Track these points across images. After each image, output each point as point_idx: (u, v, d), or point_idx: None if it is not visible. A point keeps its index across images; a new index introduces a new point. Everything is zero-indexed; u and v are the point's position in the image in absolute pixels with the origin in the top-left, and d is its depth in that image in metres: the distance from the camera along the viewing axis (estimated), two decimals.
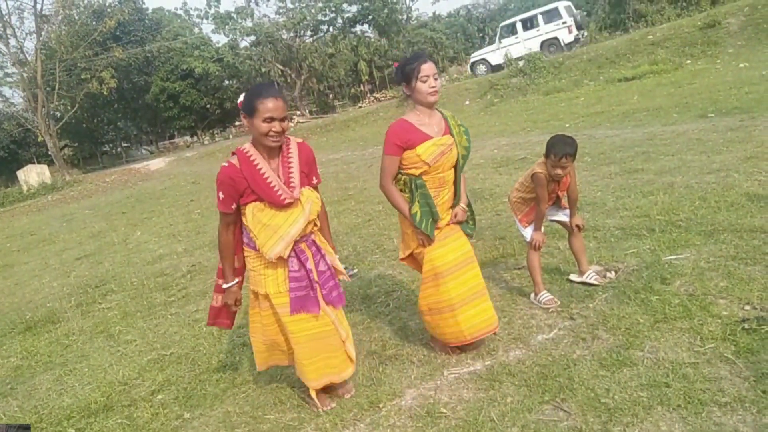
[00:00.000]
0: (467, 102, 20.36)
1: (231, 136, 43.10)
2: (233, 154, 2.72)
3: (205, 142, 44.32)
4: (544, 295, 3.64)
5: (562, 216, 3.84)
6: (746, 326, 2.84)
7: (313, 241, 2.88)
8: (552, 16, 23.59)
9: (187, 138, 50.89)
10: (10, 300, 7.31)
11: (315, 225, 2.88)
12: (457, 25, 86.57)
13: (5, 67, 39.53)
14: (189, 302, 5.45)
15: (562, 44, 23.10)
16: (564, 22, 23.24)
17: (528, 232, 3.75)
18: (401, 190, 3.12)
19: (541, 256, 3.85)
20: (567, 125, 10.95)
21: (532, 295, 3.75)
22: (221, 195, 2.69)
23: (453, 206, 3.22)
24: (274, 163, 2.73)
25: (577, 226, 3.76)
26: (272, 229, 2.68)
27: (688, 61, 15.62)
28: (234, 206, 2.72)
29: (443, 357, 3.31)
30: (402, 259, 3.39)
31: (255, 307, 2.98)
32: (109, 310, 5.80)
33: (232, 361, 3.91)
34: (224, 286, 2.90)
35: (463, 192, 3.27)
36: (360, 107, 35.80)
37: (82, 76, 37.98)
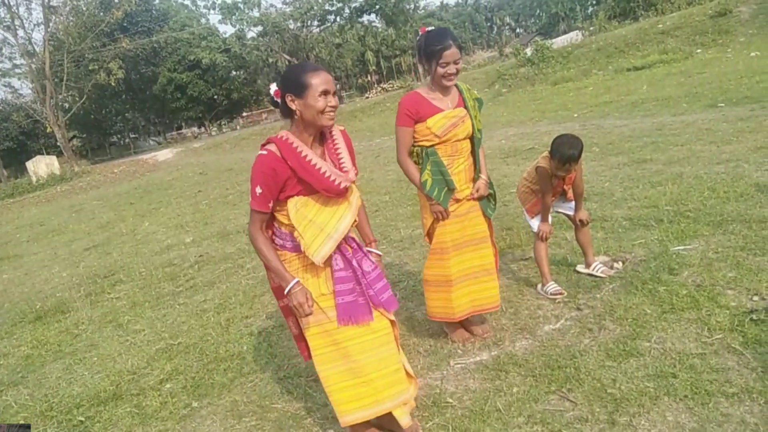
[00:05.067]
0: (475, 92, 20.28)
1: (239, 127, 43.18)
2: (268, 142, 2.36)
3: (213, 133, 44.44)
4: (551, 286, 3.64)
5: (568, 209, 3.82)
6: (754, 317, 2.83)
7: (353, 238, 2.54)
8: None
9: (195, 129, 51.08)
10: (20, 290, 7.38)
11: (355, 220, 2.51)
12: (464, 15, 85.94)
13: (14, 58, 39.72)
14: (197, 292, 5.48)
15: None
16: None
17: (535, 223, 3.75)
18: (416, 163, 3.09)
19: (548, 247, 3.83)
20: (575, 115, 10.89)
21: (539, 285, 3.75)
22: (259, 190, 2.28)
23: (474, 180, 3.14)
24: (319, 150, 2.41)
25: (581, 220, 3.74)
26: (318, 227, 2.33)
27: (699, 50, 15.48)
28: (272, 204, 2.33)
29: (450, 347, 3.31)
30: (426, 237, 3.30)
31: (310, 326, 2.45)
32: (118, 300, 5.84)
33: (239, 351, 3.93)
34: (287, 289, 2.34)
35: (483, 165, 3.19)
36: (367, 97, 35.78)
37: (90, 67, 38.11)
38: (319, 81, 2.26)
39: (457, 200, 3.09)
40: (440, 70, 2.91)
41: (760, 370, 2.46)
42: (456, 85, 3.08)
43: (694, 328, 2.88)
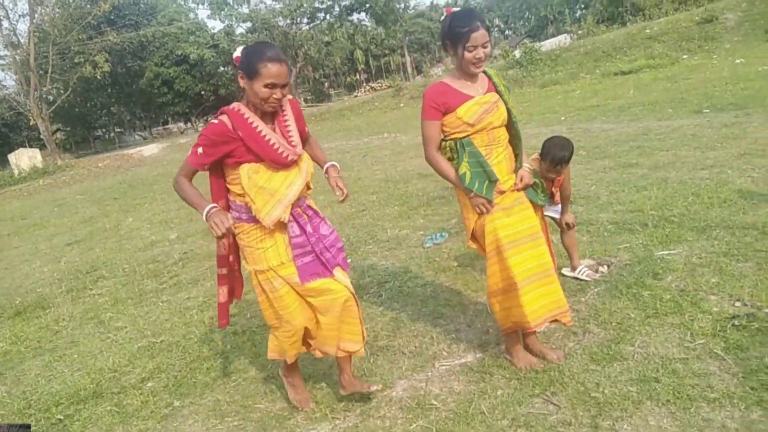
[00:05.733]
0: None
1: None
2: (221, 113, 2.52)
3: (199, 129, 44.03)
4: None
5: (554, 212, 3.83)
6: (736, 323, 2.85)
7: (309, 206, 2.69)
8: None
9: (181, 124, 50.67)
10: (0, 285, 7.26)
11: (309, 188, 2.67)
12: None
13: None
14: (180, 290, 5.43)
15: None
16: None
17: None
18: (449, 159, 2.83)
19: None
20: (562, 118, 10.95)
21: None
22: (200, 150, 2.47)
23: (516, 170, 2.87)
24: (269, 122, 2.56)
25: (567, 223, 3.76)
26: (269, 193, 2.48)
27: (685, 56, 15.64)
28: (207, 167, 2.52)
29: (435, 348, 3.31)
30: (470, 242, 2.99)
31: (262, 293, 2.69)
32: (100, 296, 5.77)
33: (223, 350, 3.90)
34: (204, 213, 2.41)
35: (524, 153, 2.93)
36: (355, 96, 35.73)
37: (76, 60, 37.64)
38: (269, 73, 2.37)
39: (501, 192, 2.78)
40: (468, 55, 2.64)
41: (741, 376, 2.48)
42: (484, 71, 2.82)
43: (677, 333, 2.90)
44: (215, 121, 2.47)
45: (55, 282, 6.66)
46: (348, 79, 57.48)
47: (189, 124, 49.30)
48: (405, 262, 4.89)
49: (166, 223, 8.97)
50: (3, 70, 40.42)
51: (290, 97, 2.66)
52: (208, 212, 2.40)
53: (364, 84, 47.55)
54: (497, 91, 2.81)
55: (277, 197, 2.49)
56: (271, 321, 2.77)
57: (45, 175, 26.59)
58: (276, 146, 2.48)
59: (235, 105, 2.53)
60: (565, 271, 3.87)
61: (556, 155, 3.36)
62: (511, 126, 2.85)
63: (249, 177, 2.47)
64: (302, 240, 2.60)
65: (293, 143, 2.55)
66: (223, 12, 39.37)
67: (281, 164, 2.50)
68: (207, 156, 2.48)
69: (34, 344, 4.79)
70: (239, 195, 2.56)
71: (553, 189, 3.65)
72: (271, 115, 2.57)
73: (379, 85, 38.87)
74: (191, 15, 45.16)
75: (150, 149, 31.05)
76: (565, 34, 30.18)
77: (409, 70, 43.89)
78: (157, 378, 3.69)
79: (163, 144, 33.22)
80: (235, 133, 2.45)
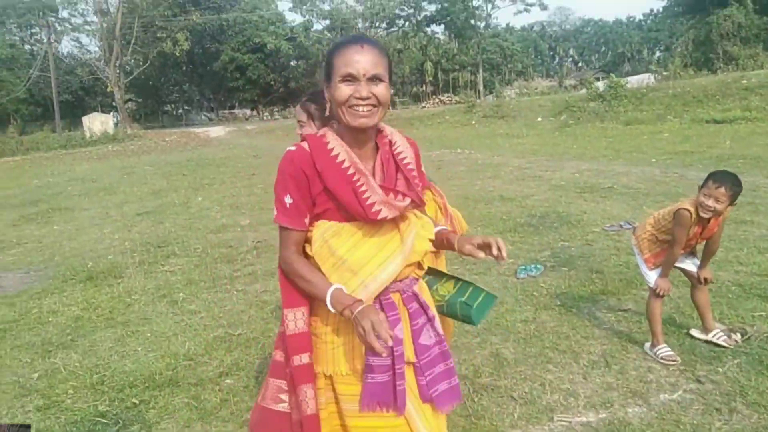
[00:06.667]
0: (539, 119, 19.82)
1: (290, 116, 43.35)
2: (302, 139, 1.76)
3: (265, 118, 44.75)
4: (664, 349, 3.25)
5: (690, 264, 3.43)
6: None
7: (415, 295, 1.72)
8: None
9: (247, 111, 51.57)
10: (71, 245, 7.26)
11: (419, 268, 1.75)
12: (529, 40, 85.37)
13: (86, 15, 40.66)
14: (256, 280, 5.23)
15: None
16: None
17: (653, 276, 3.36)
18: None
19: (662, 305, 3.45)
20: (653, 160, 10.41)
21: (648, 345, 3.37)
22: (289, 200, 1.59)
23: None
24: (368, 159, 1.65)
25: (705, 279, 3.36)
26: (350, 269, 1.59)
27: None
28: (306, 219, 1.62)
29: (548, 398, 2.96)
30: None
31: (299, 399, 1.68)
32: (172, 274, 5.63)
33: None
34: (354, 311, 1.48)
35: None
36: (423, 107, 35.51)
37: (158, 35, 38.83)
38: (344, 60, 1.53)
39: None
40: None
41: None
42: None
43: None
44: (292, 148, 1.63)
45: (127, 251, 6.59)
46: (414, 88, 57.47)
47: (255, 112, 50.08)
48: (498, 291, 4.54)
49: (236, 208, 8.87)
50: (88, 35, 42.05)
51: (405, 135, 1.75)
52: (357, 310, 1.47)
53: (431, 96, 47.37)
54: None
55: (361, 277, 1.59)
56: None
57: (114, 142, 27.35)
58: (363, 189, 1.57)
59: (322, 130, 1.68)
60: (695, 332, 3.46)
61: (721, 179, 2.97)
62: None
63: (325, 241, 1.61)
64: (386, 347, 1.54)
65: (399, 190, 1.62)
66: (304, 6, 39.95)
67: (365, 220, 1.59)
68: (302, 202, 1.60)
69: (106, 314, 4.66)
70: (309, 256, 1.67)
71: (700, 238, 3.25)
72: (374, 148, 1.68)
73: (449, 99, 38.59)
74: (273, 5, 45.94)
75: (216, 131, 31.60)
76: (648, 74, 29.28)
77: (480, 88, 43.48)
78: (235, 375, 3.46)
79: (229, 127, 33.78)
80: (313, 162, 1.59)
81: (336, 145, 1.60)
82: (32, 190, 13.26)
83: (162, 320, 4.43)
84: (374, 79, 1.53)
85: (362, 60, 1.51)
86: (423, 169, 1.79)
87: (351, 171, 1.58)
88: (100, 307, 4.82)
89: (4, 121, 41.33)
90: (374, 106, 1.54)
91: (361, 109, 1.53)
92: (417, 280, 1.74)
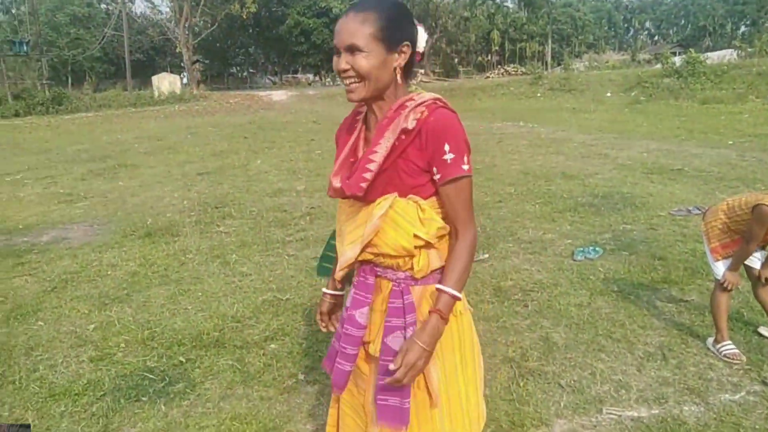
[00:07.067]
0: (609, 94, 18.98)
1: None
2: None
3: (327, 84, 44.82)
4: (728, 346, 3.04)
5: (754, 260, 3.16)
6: None
7: (404, 294, 1.49)
8: None
9: (310, 76, 51.77)
10: (134, 201, 7.49)
11: (412, 265, 1.48)
12: (603, 11, 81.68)
13: None
14: (307, 246, 5.24)
15: None
16: None
17: (720, 268, 3.12)
18: None
19: (730, 299, 3.22)
20: (730, 142, 9.79)
21: (710, 340, 3.16)
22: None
23: None
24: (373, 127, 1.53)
25: (767, 279, 3.09)
26: (339, 241, 1.58)
27: None
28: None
29: (597, 389, 2.83)
30: None
31: None
32: (227, 235, 5.72)
33: None
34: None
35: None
36: (487, 77, 34.68)
37: None
38: (335, 32, 1.44)
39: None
40: None
41: None
42: None
43: None
44: None
45: (185, 210, 6.74)
46: (479, 58, 56.14)
47: (317, 77, 50.26)
48: (553, 272, 4.38)
49: (294, 173, 8.92)
50: None
51: (434, 103, 1.49)
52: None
53: (497, 66, 46.19)
54: None
55: (341, 248, 1.55)
56: None
57: (181, 102, 28.03)
58: (336, 166, 1.55)
59: None
60: (764, 330, 3.23)
61: None
62: None
63: (339, 206, 1.62)
64: (355, 330, 1.54)
65: (361, 172, 1.44)
66: None
67: (331, 192, 1.54)
68: None
69: (161, 271, 4.77)
70: None
71: None
72: (376, 118, 1.51)
73: (514, 69, 37.48)
74: None
75: (279, 95, 31.88)
76: (731, 50, 27.50)
77: (548, 59, 42.06)
78: (280, 340, 3.47)
79: (292, 92, 34.00)
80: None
81: (361, 114, 1.58)
82: (102, 146, 13.76)
83: (213, 280, 4.50)
84: (351, 49, 1.38)
85: (341, 30, 1.40)
86: (450, 157, 1.42)
87: (341, 142, 1.60)
88: (156, 263, 4.95)
89: (81, 78, 43.01)
90: (357, 79, 1.41)
91: (346, 82, 1.43)
92: (415, 280, 1.49)
